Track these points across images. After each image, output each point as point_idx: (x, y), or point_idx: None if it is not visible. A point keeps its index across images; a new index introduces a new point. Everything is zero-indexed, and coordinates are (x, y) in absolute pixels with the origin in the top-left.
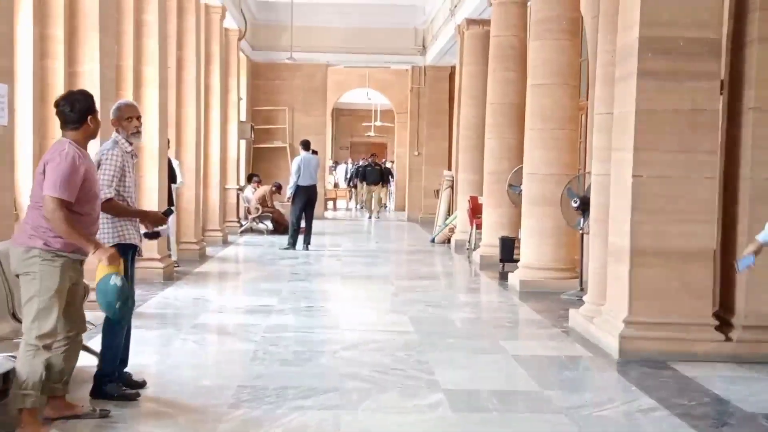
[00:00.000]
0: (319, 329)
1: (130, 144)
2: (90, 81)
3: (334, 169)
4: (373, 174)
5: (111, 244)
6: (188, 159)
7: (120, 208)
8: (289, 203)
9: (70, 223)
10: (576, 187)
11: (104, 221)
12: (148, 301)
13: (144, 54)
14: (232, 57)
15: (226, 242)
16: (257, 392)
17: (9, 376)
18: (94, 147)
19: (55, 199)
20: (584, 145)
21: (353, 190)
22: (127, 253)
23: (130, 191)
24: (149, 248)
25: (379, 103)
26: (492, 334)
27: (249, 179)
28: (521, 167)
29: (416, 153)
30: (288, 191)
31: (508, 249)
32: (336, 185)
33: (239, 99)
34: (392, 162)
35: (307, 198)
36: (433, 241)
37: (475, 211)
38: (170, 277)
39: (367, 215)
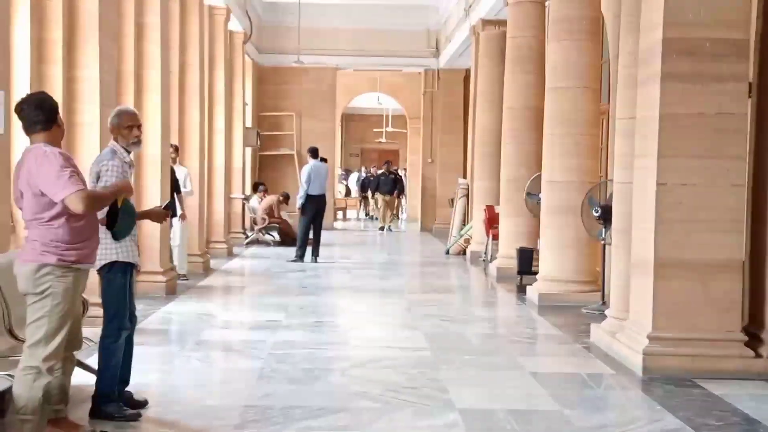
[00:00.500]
0: (329, 346)
1: (128, 152)
2: (90, 86)
3: (346, 178)
4: (388, 183)
5: (111, 261)
6: (192, 167)
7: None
8: (298, 213)
9: (95, 194)
10: (597, 195)
11: (107, 237)
12: (150, 317)
13: (145, 58)
14: (237, 60)
15: (231, 254)
16: (264, 412)
17: (5, 395)
18: (90, 156)
19: (72, 195)
20: (606, 152)
21: (364, 199)
22: (126, 270)
23: None
24: (152, 261)
25: (391, 108)
26: (509, 351)
27: (255, 188)
28: (540, 174)
29: (429, 160)
30: (298, 201)
31: (527, 260)
32: (348, 194)
33: (244, 104)
34: (404, 170)
35: (316, 208)
36: (447, 252)
37: (492, 221)
38: (173, 291)
39: (380, 227)
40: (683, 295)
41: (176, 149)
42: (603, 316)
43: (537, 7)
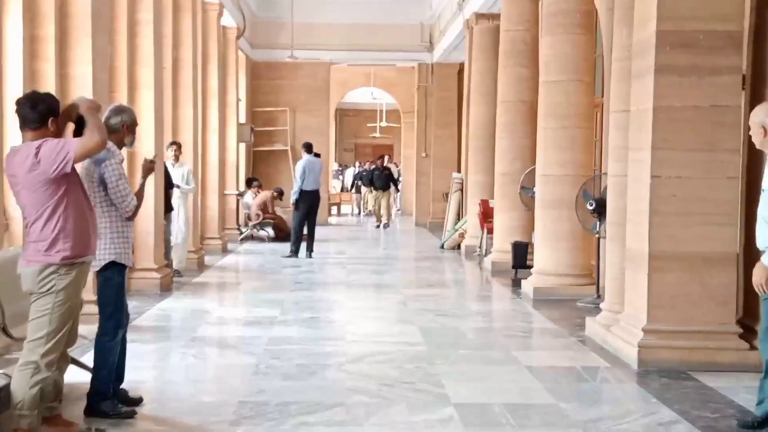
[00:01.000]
0: (324, 341)
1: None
2: (82, 83)
3: (341, 174)
4: (381, 179)
5: (107, 261)
6: (187, 163)
7: (140, 198)
8: (292, 209)
9: (95, 125)
10: (592, 188)
11: (106, 236)
12: (145, 314)
13: (138, 54)
14: (230, 56)
15: (225, 250)
16: (259, 408)
17: (1, 393)
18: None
19: (80, 144)
20: (600, 145)
21: (358, 195)
22: (123, 269)
23: None
24: (146, 258)
25: (385, 103)
26: (505, 345)
27: (248, 184)
28: (534, 168)
29: (424, 154)
30: (292, 196)
31: (521, 254)
32: (343, 189)
33: (238, 100)
34: (395, 164)
35: (310, 204)
36: (442, 247)
37: (486, 215)
38: (167, 287)
39: (375, 224)
40: (678, 288)
41: (179, 147)
42: (598, 310)
43: (530, 0)
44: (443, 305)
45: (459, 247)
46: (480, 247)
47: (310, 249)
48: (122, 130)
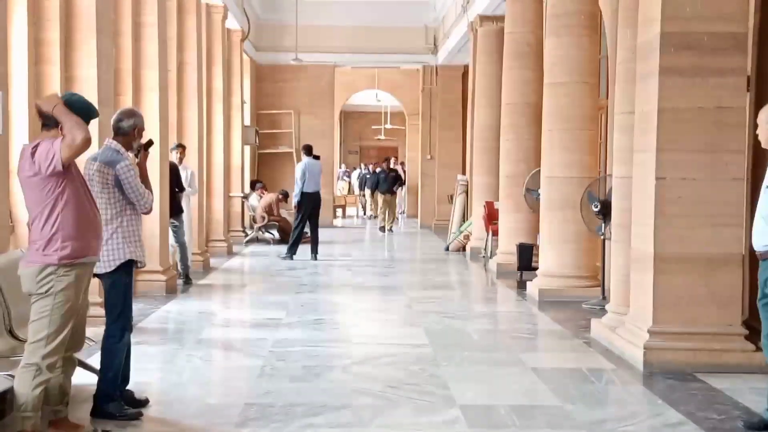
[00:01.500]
0: (329, 343)
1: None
2: (87, 86)
3: (348, 176)
4: (387, 182)
5: (124, 260)
6: (190, 166)
7: (148, 186)
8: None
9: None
10: (597, 190)
11: (118, 236)
12: (150, 316)
13: (143, 57)
14: (235, 59)
15: (230, 253)
16: (265, 410)
17: (6, 396)
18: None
19: (64, 142)
20: (605, 146)
21: (363, 197)
22: (130, 270)
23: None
24: (152, 260)
25: (389, 105)
26: (510, 347)
27: (252, 186)
28: (539, 170)
29: (428, 157)
30: (294, 199)
31: (526, 256)
32: (350, 191)
33: (243, 102)
34: (401, 164)
35: (312, 206)
36: (447, 248)
37: (491, 216)
38: (173, 290)
39: (380, 227)
40: (683, 290)
41: (183, 149)
42: (603, 311)
43: (535, 2)
44: (448, 307)
45: (464, 249)
46: (485, 249)
47: (314, 251)
48: (133, 133)
